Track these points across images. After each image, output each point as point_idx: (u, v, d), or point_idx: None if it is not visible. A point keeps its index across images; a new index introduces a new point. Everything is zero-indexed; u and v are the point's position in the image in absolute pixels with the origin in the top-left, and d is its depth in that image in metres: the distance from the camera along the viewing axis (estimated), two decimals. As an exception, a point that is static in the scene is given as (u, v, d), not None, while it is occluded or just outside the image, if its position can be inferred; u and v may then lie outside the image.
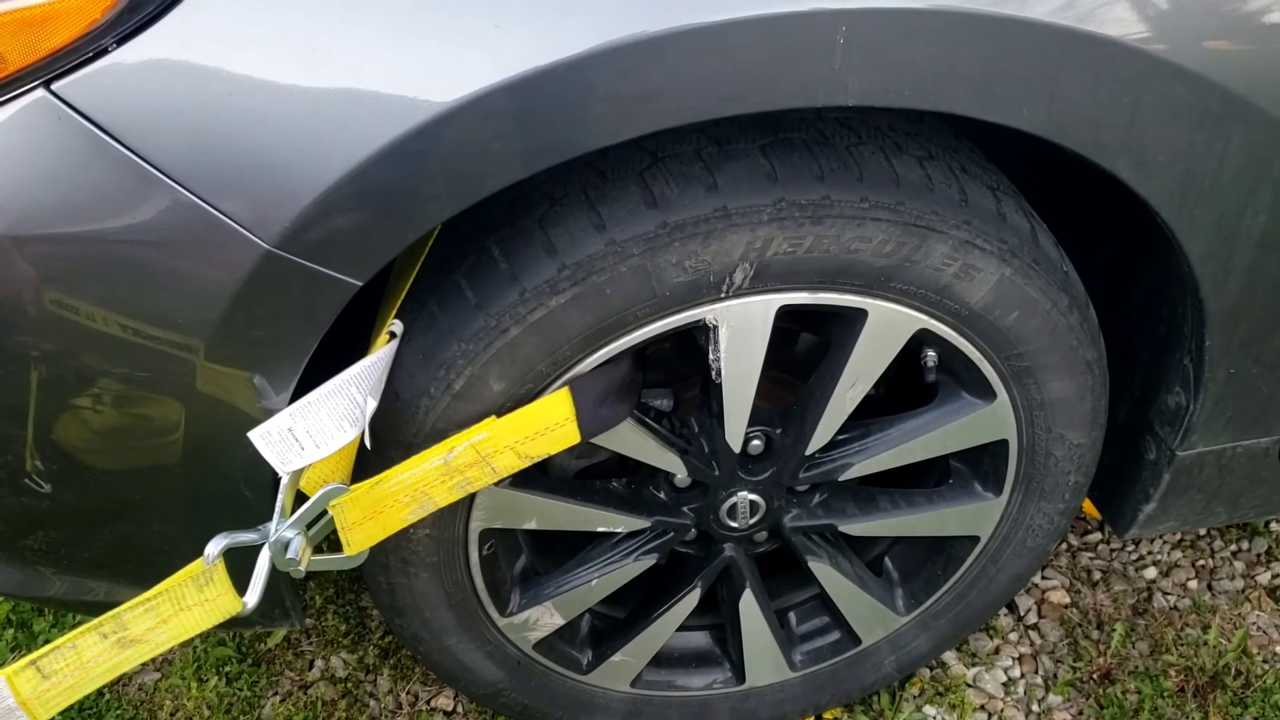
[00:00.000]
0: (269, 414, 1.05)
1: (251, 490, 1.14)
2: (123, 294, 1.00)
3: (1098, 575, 1.91)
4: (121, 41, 0.92)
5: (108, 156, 0.93)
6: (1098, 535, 1.99)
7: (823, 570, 1.46)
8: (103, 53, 0.92)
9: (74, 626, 1.74)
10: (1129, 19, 1.00)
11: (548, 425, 1.14)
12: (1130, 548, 1.97)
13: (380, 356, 1.09)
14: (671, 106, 0.95)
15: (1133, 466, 1.48)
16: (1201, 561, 1.94)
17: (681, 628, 1.50)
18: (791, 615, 1.60)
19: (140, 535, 1.23)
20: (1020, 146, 1.11)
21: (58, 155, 0.94)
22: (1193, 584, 1.90)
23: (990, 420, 1.33)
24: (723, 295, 1.12)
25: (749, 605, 1.47)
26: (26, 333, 1.02)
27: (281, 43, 0.92)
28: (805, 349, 1.39)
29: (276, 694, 1.73)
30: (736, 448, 1.28)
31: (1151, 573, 1.92)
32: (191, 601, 1.04)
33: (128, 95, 0.93)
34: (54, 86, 0.92)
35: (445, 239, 1.12)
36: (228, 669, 1.75)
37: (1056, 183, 1.33)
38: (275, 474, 1.06)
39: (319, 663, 1.77)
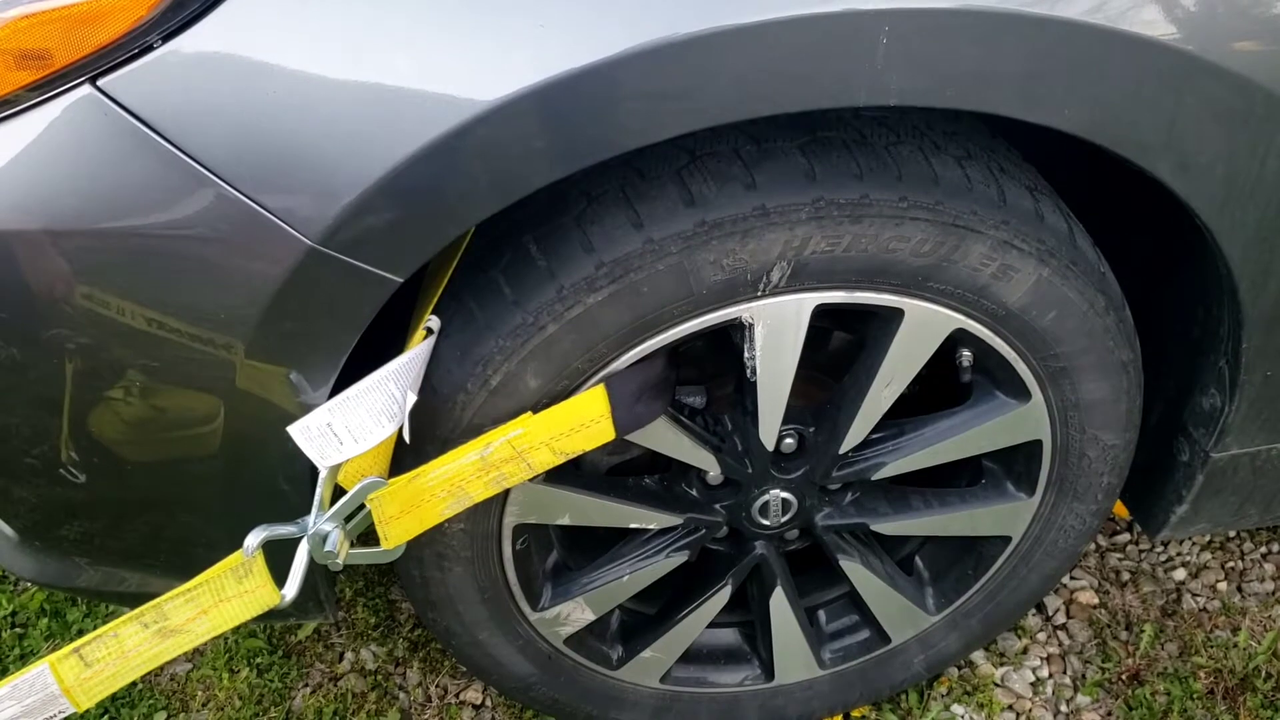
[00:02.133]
0: (307, 409, 1.06)
1: (289, 483, 1.15)
2: (165, 289, 1.01)
3: (1126, 576, 1.91)
4: (167, 38, 0.93)
5: (152, 152, 0.94)
6: (1126, 536, 1.98)
7: (854, 569, 1.46)
8: (148, 49, 0.93)
9: (107, 617, 1.77)
10: (1167, 19, 1.00)
11: (583, 422, 1.15)
12: (1159, 549, 1.96)
13: (418, 352, 1.10)
14: (714, 106, 0.95)
15: (1165, 468, 1.47)
16: (1231, 563, 1.93)
17: (711, 624, 1.50)
18: (821, 613, 1.60)
19: (175, 527, 1.24)
20: (1056, 145, 1.11)
21: (103, 151, 0.95)
22: (1222, 586, 1.89)
23: (1025, 420, 1.32)
24: (759, 294, 1.12)
25: (779, 603, 1.47)
26: (65, 325, 1.03)
27: (326, 40, 0.93)
28: (839, 347, 1.39)
29: (307, 685, 1.75)
30: (770, 446, 1.28)
31: (1181, 574, 1.91)
32: (231, 593, 1.05)
33: (173, 91, 0.94)
34: (100, 83, 0.93)
35: (482, 236, 1.12)
36: (259, 660, 1.76)
37: (1092, 182, 1.33)
38: (313, 467, 1.07)
39: (349, 655, 1.79)
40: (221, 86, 0.94)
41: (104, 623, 1.75)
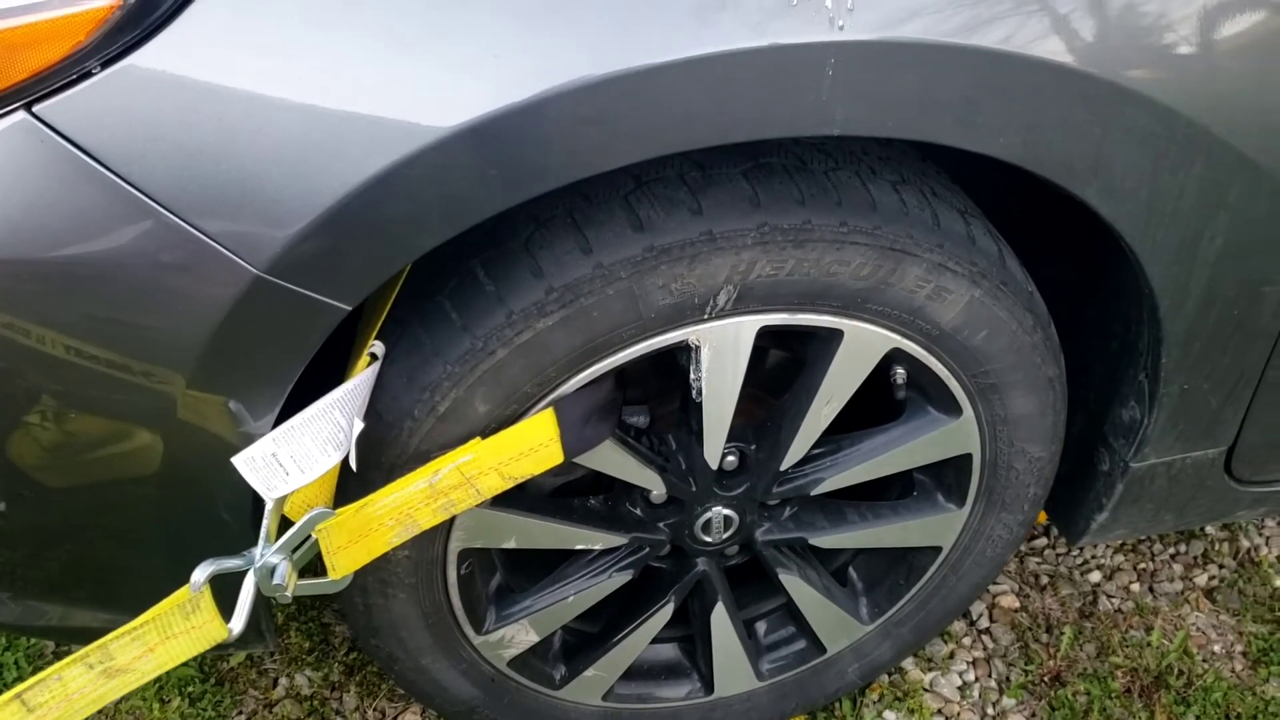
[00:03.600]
0: (250, 439, 1.04)
1: (230, 515, 1.13)
2: (104, 320, 0.98)
3: (1045, 580, 1.97)
4: (106, 64, 0.90)
5: (91, 180, 0.92)
6: (1044, 540, 2.04)
7: (792, 582, 1.49)
8: (86, 75, 0.90)
9: (18, 648, 1.70)
10: (1088, 46, 1.04)
11: (532, 446, 1.15)
12: (1075, 553, 2.03)
13: (363, 379, 1.09)
14: (665, 136, 0.97)
15: (1087, 477, 1.53)
16: (1142, 565, 2.01)
17: (651, 640, 1.51)
18: (759, 625, 1.62)
19: (110, 557, 1.20)
20: (980, 166, 1.14)
21: (39, 178, 0.92)
22: (1135, 587, 1.97)
23: (956, 435, 1.36)
24: (706, 317, 1.14)
25: (720, 618, 1.49)
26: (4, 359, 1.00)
27: (272, 68, 0.92)
28: (777, 365, 1.41)
29: (241, 713, 1.71)
30: (715, 465, 1.29)
31: (1096, 576, 1.98)
32: (178, 629, 1.03)
33: (112, 118, 0.91)
34: (36, 109, 0.90)
35: (426, 260, 1.11)
36: (190, 689, 1.72)
37: (1013, 200, 1.37)
38: (255, 496, 1.05)
39: (283, 681, 1.75)
40: (164, 113, 0.92)
41: (28, 658, 1.69)
